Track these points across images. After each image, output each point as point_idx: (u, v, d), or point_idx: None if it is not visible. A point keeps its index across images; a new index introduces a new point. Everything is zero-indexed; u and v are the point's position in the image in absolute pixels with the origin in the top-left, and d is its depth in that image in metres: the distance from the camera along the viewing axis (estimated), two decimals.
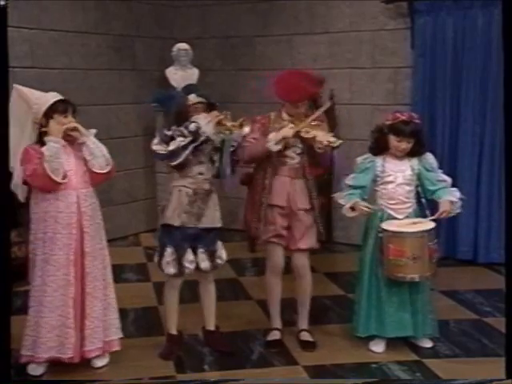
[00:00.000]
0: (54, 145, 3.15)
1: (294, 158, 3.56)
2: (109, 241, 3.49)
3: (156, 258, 3.55)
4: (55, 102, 3.23)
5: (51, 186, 3.18)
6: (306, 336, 3.72)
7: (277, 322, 3.77)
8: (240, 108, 3.50)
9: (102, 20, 5.80)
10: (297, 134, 3.46)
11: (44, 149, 3.14)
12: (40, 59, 5.26)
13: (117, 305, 3.45)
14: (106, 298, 3.37)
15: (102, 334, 3.35)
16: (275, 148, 3.46)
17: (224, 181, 3.47)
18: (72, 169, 3.25)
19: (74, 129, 3.22)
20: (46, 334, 3.21)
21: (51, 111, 3.21)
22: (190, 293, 3.84)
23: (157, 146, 3.41)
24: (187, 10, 6.42)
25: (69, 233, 3.22)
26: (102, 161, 3.30)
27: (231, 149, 3.43)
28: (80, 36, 5.58)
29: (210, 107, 3.46)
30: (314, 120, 3.47)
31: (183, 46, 5.78)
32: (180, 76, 5.72)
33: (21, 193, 3.26)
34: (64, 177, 3.19)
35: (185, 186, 3.43)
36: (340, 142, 3.41)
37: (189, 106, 3.43)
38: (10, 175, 3.13)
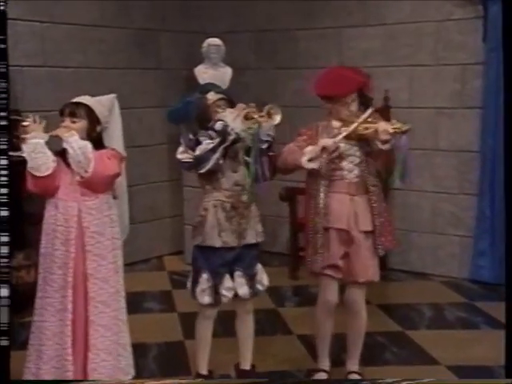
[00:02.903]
0: (34, 140, 3.21)
1: (351, 170, 3.50)
2: (129, 264, 3.52)
3: (189, 285, 3.54)
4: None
5: (40, 184, 3.23)
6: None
7: (324, 363, 3.74)
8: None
9: (122, 12, 5.89)
10: (353, 136, 3.40)
11: (24, 147, 3.22)
12: (52, 56, 5.36)
13: (129, 339, 3.42)
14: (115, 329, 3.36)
15: (112, 370, 3.33)
16: (308, 165, 3.39)
17: (258, 184, 3.39)
18: (72, 178, 3.29)
19: (56, 136, 3.29)
20: (43, 366, 3.24)
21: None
22: (221, 325, 3.84)
23: (182, 155, 3.43)
24: (219, 1, 6.48)
25: (66, 250, 3.25)
26: (76, 166, 3.26)
27: (266, 144, 3.38)
28: (97, 30, 5.68)
29: (230, 105, 3.47)
30: (370, 117, 3.41)
31: (214, 41, 5.82)
32: (211, 75, 5.75)
33: None
34: (54, 174, 3.23)
35: (221, 201, 3.43)
36: (409, 125, 3.33)
37: (209, 106, 3.46)
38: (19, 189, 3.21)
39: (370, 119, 3.40)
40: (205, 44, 5.83)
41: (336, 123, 3.50)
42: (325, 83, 3.54)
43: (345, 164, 3.50)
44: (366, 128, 3.38)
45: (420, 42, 5.63)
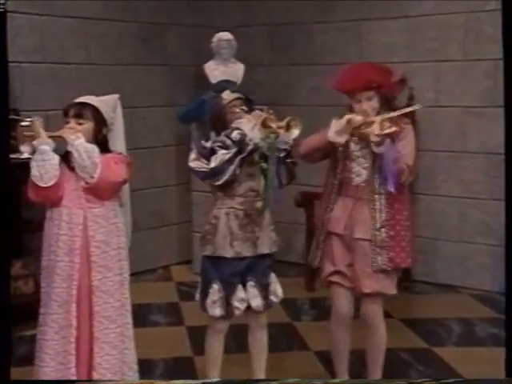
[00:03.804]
0: (41, 147, 3.19)
1: (360, 173, 3.53)
2: (133, 274, 3.50)
3: (198, 297, 3.54)
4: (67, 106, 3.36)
5: (42, 194, 3.21)
6: None
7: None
8: (295, 111, 3.48)
9: (127, 5, 5.90)
10: (356, 134, 3.42)
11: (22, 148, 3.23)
12: (52, 52, 5.38)
13: (135, 357, 3.41)
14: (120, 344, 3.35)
15: None
16: (335, 139, 3.42)
17: (273, 194, 3.42)
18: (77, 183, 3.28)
19: (60, 137, 3.28)
20: None
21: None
22: (234, 340, 3.83)
23: (195, 163, 3.42)
24: None
25: (70, 261, 3.24)
26: (81, 171, 3.24)
27: (282, 154, 3.41)
28: (100, 24, 5.69)
29: (247, 104, 3.48)
30: (391, 120, 3.37)
31: (225, 35, 5.82)
32: (221, 72, 5.76)
33: None
34: (58, 184, 3.22)
35: (234, 208, 3.43)
36: (393, 129, 3.31)
37: (225, 107, 3.46)
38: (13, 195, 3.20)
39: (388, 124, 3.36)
40: (215, 39, 5.83)
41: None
42: (341, 78, 3.58)
43: (354, 165, 3.53)
44: (366, 127, 3.39)
45: (447, 35, 5.60)
